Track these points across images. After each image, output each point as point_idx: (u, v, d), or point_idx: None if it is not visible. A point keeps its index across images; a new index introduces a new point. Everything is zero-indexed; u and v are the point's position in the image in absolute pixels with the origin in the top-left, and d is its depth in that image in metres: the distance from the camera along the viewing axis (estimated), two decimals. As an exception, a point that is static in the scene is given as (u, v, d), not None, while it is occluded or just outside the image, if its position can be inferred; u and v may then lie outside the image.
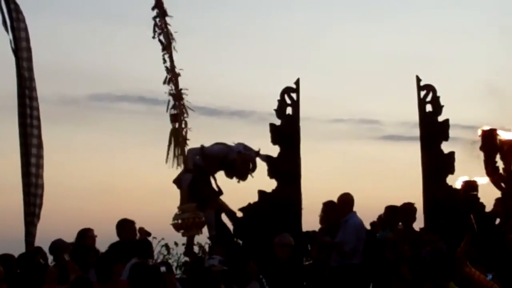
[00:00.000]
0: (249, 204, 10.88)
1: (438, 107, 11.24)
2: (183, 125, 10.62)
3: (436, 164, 11.04)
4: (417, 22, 20.09)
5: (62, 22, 18.84)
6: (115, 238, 10.24)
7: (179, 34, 10.69)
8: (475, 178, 10.66)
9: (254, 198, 10.93)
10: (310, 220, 11.28)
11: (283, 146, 11.03)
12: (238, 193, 11.17)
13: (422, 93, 11.30)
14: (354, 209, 10.72)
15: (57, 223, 13.56)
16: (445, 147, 11.15)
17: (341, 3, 21.03)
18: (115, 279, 8.60)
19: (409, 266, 9.47)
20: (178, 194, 10.79)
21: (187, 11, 16.83)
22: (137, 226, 10.44)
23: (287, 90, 11.17)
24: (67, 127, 17.65)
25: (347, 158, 18.11)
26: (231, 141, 11.01)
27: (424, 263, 9.20)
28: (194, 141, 10.75)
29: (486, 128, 10.47)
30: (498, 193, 10.59)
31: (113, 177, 18.37)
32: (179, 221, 10.39)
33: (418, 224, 11.00)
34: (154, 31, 10.50)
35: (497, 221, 10.73)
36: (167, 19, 10.66)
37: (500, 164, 10.31)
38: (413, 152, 11.42)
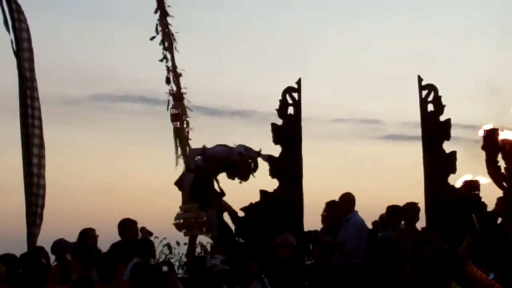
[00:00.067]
0: (251, 204, 10.89)
1: (439, 107, 11.24)
2: (184, 125, 10.62)
3: (438, 163, 11.04)
4: (418, 22, 20.10)
5: (63, 23, 18.86)
6: (117, 238, 10.26)
7: (180, 34, 10.70)
8: (477, 178, 10.65)
9: (256, 197, 10.94)
10: (312, 220, 11.29)
11: (285, 146, 11.03)
12: (240, 192, 11.19)
13: (424, 92, 11.29)
14: (356, 208, 10.72)
15: (59, 223, 13.57)
16: (447, 147, 11.16)
17: (342, 3, 21.04)
18: (117, 278, 8.60)
19: (411, 266, 9.48)
20: (179, 194, 10.80)
21: (188, 10, 16.82)
22: (139, 226, 10.46)
23: (288, 90, 11.18)
24: (68, 127, 17.66)
25: (349, 158, 18.11)
26: (232, 141, 11.02)
27: (426, 262, 9.19)
28: (195, 141, 10.75)
29: (488, 127, 10.46)
30: (499, 193, 10.58)
31: (115, 177, 18.39)
32: (181, 220, 10.39)
33: (420, 223, 11.01)
34: (157, 32, 10.50)
35: (499, 220, 10.72)
36: (168, 19, 10.67)
37: (501, 163, 10.31)
38: (415, 152, 11.45)
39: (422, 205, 10.99)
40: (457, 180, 10.95)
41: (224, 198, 10.97)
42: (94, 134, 18.35)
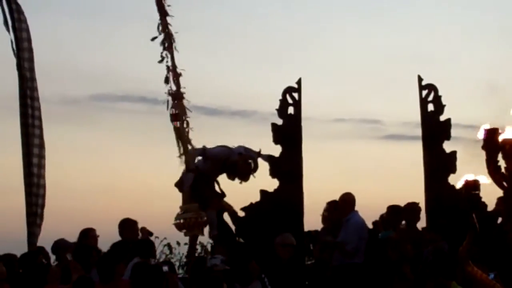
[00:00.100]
0: (251, 204, 10.89)
1: (439, 107, 11.24)
2: (184, 125, 10.63)
3: (438, 163, 11.04)
4: (418, 22, 20.10)
5: (63, 22, 18.87)
6: (117, 237, 10.25)
7: (180, 33, 10.70)
8: (477, 177, 10.65)
9: (256, 197, 10.94)
10: (312, 220, 11.29)
11: (285, 145, 11.03)
12: (240, 192, 11.18)
13: (424, 92, 11.29)
14: (356, 208, 10.72)
15: (59, 223, 13.57)
16: (447, 147, 11.16)
17: (342, 3, 21.04)
18: (117, 278, 8.60)
19: (411, 266, 9.48)
20: (179, 195, 10.79)
21: (188, 10, 16.82)
22: (139, 226, 10.46)
23: (288, 90, 11.18)
24: (69, 127, 17.67)
25: (349, 157, 18.11)
26: (232, 141, 11.04)
27: (426, 262, 9.19)
28: (195, 141, 10.76)
29: (487, 127, 10.46)
30: (500, 192, 10.57)
31: (115, 177, 18.40)
32: (181, 220, 10.39)
33: (420, 223, 11.01)
34: (159, 33, 10.51)
35: (499, 220, 10.72)
36: (168, 19, 10.67)
37: (502, 163, 10.30)
38: (415, 152, 11.44)
39: (422, 205, 10.99)
40: (457, 180, 10.96)
41: (225, 198, 10.97)
42: (94, 134, 18.37)
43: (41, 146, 10.27)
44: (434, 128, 11.18)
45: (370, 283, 10.24)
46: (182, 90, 10.73)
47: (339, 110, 19.87)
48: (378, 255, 10.37)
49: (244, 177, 10.82)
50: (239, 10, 20.46)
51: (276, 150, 11.05)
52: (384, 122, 19.17)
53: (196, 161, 10.76)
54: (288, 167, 10.94)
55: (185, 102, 10.70)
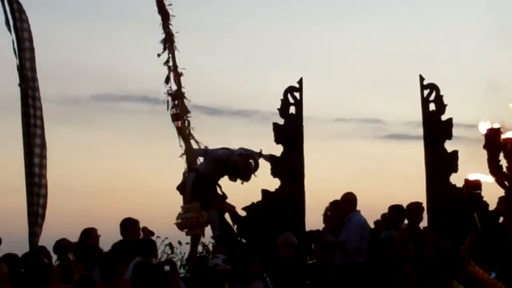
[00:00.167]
0: (253, 204, 10.89)
1: (441, 106, 11.24)
2: (186, 124, 10.65)
3: (440, 163, 11.04)
4: (419, 21, 20.08)
5: (65, 22, 18.84)
6: (118, 237, 10.25)
7: (181, 33, 10.72)
8: (480, 177, 10.64)
9: (258, 197, 10.94)
10: (314, 219, 11.29)
11: (287, 145, 11.04)
12: (241, 192, 11.18)
13: (426, 92, 11.30)
14: (358, 208, 10.72)
15: (60, 222, 13.55)
16: (449, 146, 11.15)
17: (343, 3, 21.03)
18: (119, 278, 8.61)
19: (413, 265, 9.47)
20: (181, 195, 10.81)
21: (189, 10, 16.81)
22: (141, 225, 10.46)
23: (290, 90, 11.18)
24: (70, 127, 17.66)
25: (350, 157, 18.09)
26: (234, 141, 11.10)
27: (427, 261, 9.19)
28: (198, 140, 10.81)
29: (486, 126, 10.45)
30: (501, 192, 10.56)
31: (116, 177, 18.38)
32: (183, 220, 10.41)
33: (422, 223, 11.01)
34: (164, 48, 10.54)
35: (501, 219, 10.71)
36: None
37: (503, 162, 10.29)
38: (417, 151, 11.44)
39: (424, 204, 10.98)
40: (459, 179, 10.95)
41: (227, 199, 10.98)
42: (95, 134, 18.36)
43: (43, 146, 10.27)
44: (436, 128, 11.18)
45: (372, 283, 10.24)
46: (182, 89, 10.75)
47: (340, 110, 19.87)
48: (380, 255, 10.37)
49: (246, 177, 10.83)
50: (240, 10, 20.46)
51: (277, 150, 11.06)
52: (386, 122, 19.16)
53: (198, 163, 10.78)
54: (290, 166, 10.94)
55: (185, 101, 10.72)
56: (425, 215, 10.95)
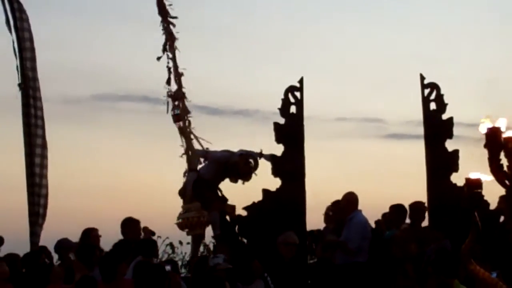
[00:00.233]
0: (254, 203, 10.88)
1: (442, 105, 11.22)
2: (186, 124, 10.66)
3: (440, 162, 11.03)
4: (419, 20, 20.09)
5: (65, 22, 18.88)
6: (119, 237, 10.25)
7: (182, 33, 10.73)
8: (479, 176, 10.64)
9: (259, 197, 10.93)
10: (314, 219, 11.29)
11: (287, 145, 11.03)
12: (242, 192, 11.18)
13: (426, 91, 11.28)
14: (359, 208, 10.72)
15: (61, 222, 13.56)
16: (449, 145, 11.15)
17: (344, 2, 21.04)
18: (119, 278, 8.61)
19: (414, 264, 9.47)
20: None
21: (189, 10, 16.81)
22: (141, 225, 10.46)
23: (291, 89, 11.17)
24: (71, 127, 17.68)
25: (351, 156, 18.11)
26: (234, 141, 11.12)
27: (428, 261, 9.19)
28: (200, 140, 10.82)
29: (490, 125, 10.45)
30: (502, 191, 10.56)
31: (117, 177, 18.40)
32: (184, 220, 10.42)
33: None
34: (165, 50, 10.56)
35: (501, 218, 10.71)
36: (170, 19, 10.70)
37: (504, 161, 10.29)
38: (417, 150, 11.42)
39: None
40: (460, 178, 10.94)
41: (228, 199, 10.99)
42: (96, 134, 18.38)
43: (44, 146, 10.27)
44: (436, 127, 11.16)
45: (373, 282, 10.24)
46: (183, 90, 10.76)
47: (341, 109, 19.89)
48: (381, 254, 10.36)
49: (246, 177, 10.83)
50: (241, 10, 20.47)
51: (278, 149, 11.05)
52: (386, 121, 19.17)
53: (199, 167, 10.79)
54: (290, 166, 10.93)
55: (186, 101, 10.73)
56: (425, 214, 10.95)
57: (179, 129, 10.68)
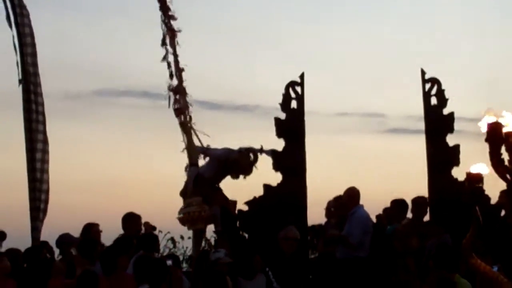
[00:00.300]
0: (255, 198, 10.89)
1: (443, 100, 11.23)
2: (188, 119, 10.66)
3: (441, 156, 11.04)
4: (421, 16, 20.09)
5: (66, 18, 18.88)
6: (120, 232, 10.26)
7: (183, 28, 10.71)
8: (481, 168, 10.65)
9: (260, 192, 10.94)
10: (315, 214, 11.30)
11: (288, 140, 11.04)
12: (243, 186, 11.19)
13: (427, 86, 11.28)
14: (360, 202, 10.72)
15: (62, 217, 13.58)
16: (450, 140, 11.15)
17: (345, -2, 21.04)
18: (120, 271, 8.61)
19: (415, 259, 9.47)
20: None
21: (191, 5, 16.81)
22: (143, 220, 10.47)
23: (291, 84, 11.18)
24: (72, 122, 17.70)
25: (352, 151, 18.11)
26: (235, 136, 11.12)
27: (429, 255, 9.20)
28: (200, 136, 10.81)
29: (491, 120, 10.45)
30: (503, 185, 10.57)
31: (118, 172, 18.42)
32: (185, 214, 10.42)
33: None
34: (164, 44, 10.55)
35: (502, 213, 10.72)
36: (171, 13, 10.69)
37: (505, 155, 10.29)
38: (418, 145, 11.42)
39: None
40: (461, 173, 10.94)
41: (229, 195, 11.00)
42: (97, 129, 18.40)
43: (45, 141, 10.29)
44: (437, 122, 11.17)
45: (374, 277, 10.25)
46: (184, 84, 10.76)
47: (342, 104, 19.87)
48: (382, 249, 10.36)
49: (247, 171, 10.83)
50: (241, 5, 20.46)
51: (279, 144, 11.06)
52: (387, 116, 19.18)
53: (199, 167, 10.79)
54: (291, 161, 10.93)
55: (187, 97, 10.73)
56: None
57: (180, 124, 10.67)
